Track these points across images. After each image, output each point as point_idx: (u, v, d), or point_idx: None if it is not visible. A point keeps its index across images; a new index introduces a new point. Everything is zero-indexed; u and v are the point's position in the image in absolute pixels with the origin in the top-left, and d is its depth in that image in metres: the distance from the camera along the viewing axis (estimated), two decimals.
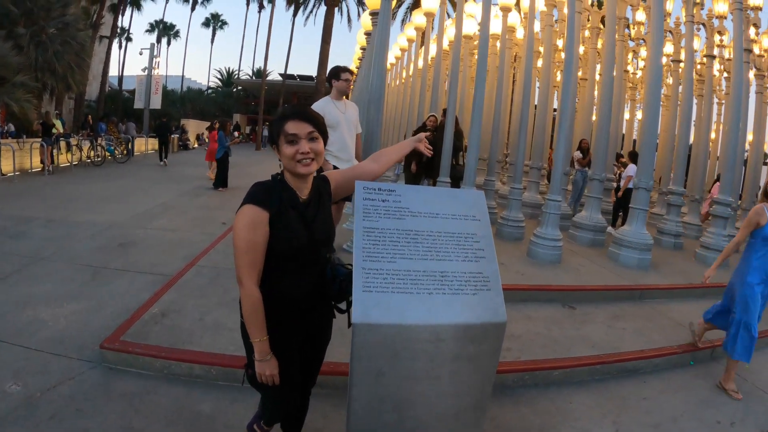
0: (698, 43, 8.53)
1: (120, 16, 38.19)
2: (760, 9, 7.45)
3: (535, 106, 9.17)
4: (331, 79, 4.91)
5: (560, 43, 9.46)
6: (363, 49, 9.38)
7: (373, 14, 6.03)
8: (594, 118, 9.07)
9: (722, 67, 9.17)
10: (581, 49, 9.24)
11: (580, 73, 9.63)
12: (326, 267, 1.91)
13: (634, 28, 8.54)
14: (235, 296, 4.15)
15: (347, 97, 5.29)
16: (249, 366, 1.92)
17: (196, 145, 26.93)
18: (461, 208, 2.02)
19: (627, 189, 8.43)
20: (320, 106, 4.77)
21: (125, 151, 18.46)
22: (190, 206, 9.16)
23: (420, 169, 7.73)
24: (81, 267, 5.13)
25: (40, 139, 13.62)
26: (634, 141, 13.68)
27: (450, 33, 8.50)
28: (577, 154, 9.26)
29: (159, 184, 11.97)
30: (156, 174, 14.16)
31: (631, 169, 8.44)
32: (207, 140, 12.39)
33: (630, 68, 10.57)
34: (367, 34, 7.51)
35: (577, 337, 4.00)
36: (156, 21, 53.04)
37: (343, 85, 4.88)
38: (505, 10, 7.46)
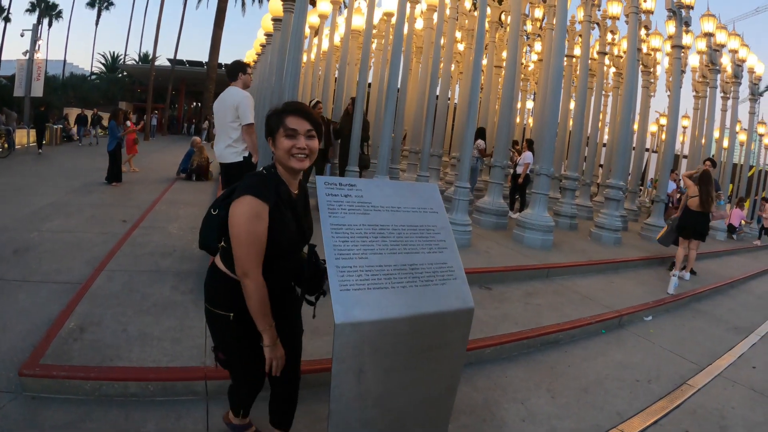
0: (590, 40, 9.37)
1: None
2: (652, 12, 8.36)
3: (437, 97, 9.55)
4: (239, 72, 4.91)
5: (459, 35, 9.90)
6: (268, 35, 9.12)
7: (287, 0, 5.91)
8: (490, 107, 9.62)
9: (611, 62, 10.16)
10: (461, 47, 9.82)
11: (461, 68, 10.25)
12: (303, 260, 1.99)
13: (531, 24, 9.18)
14: (156, 301, 3.98)
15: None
16: (217, 349, 2.05)
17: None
18: (419, 201, 2.09)
19: (526, 174, 9.06)
20: (246, 95, 4.83)
21: (5, 144, 16.32)
22: (84, 204, 8.35)
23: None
24: None
25: None
26: (524, 129, 14.76)
27: (357, 21, 8.53)
28: (480, 143, 9.77)
29: (47, 181, 10.77)
30: (42, 169, 12.73)
31: (528, 156, 9.09)
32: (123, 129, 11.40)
33: (523, 61, 11.33)
34: (275, 20, 7.33)
35: (500, 315, 4.28)
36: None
37: (248, 79, 5.00)
38: (413, 1, 7.66)
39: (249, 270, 1.78)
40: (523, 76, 12.26)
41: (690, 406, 3.35)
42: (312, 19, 10.55)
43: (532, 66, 12.24)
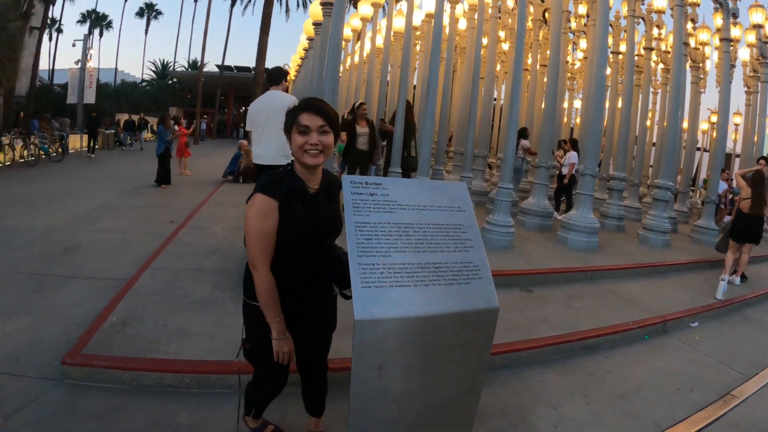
0: (637, 37, 9.01)
1: (51, 6, 35.51)
2: (698, 5, 7.98)
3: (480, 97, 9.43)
4: (282, 78, 5.17)
5: (502, 34, 9.74)
6: (310, 39, 9.25)
7: (326, 4, 5.97)
8: (536, 106, 9.41)
9: (659, 58, 9.75)
10: (506, 46, 9.62)
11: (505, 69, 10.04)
12: (328, 256, 2.00)
13: (575, 21, 8.92)
14: (197, 299, 4.07)
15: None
16: (246, 340, 2.11)
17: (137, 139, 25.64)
18: (446, 199, 2.06)
19: (572, 175, 8.81)
20: (295, 99, 4.99)
21: (60, 149, 17.29)
22: (133, 205, 8.73)
23: (356, 159, 7.75)
24: (25, 277, 4.76)
25: None
26: (572, 128, 14.35)
27: (397, 24, 8.52)
28: (525, 143, 9.57)
29: (98, 183, 11.33)
30: (94, 172, 13.39)
31: (573, 156, 8.83)
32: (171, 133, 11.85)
33: (569, 59, 11.02)
34: (316, 24, 7.42)
35: (538, 318, 4.17)
36: (88, 11, 50.70)
37: (287, 86, 5.27)
38: (453, 1, 7.58)
39: (256, 263, 1.86)
40: (569, 74, 11.94)
41: (733, 417, 3.15)
42: (354, 22, 10.68)
43: (578, 64, 11.90)
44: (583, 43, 10.45)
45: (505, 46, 10.75)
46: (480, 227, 6.09)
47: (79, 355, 3.12)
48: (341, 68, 13.42)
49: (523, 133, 9.58)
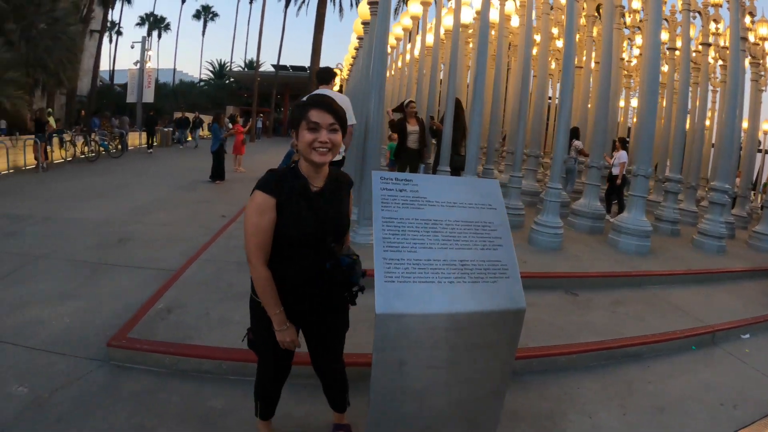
0: (693, 31, 8.55)
1: (110, 10, 37.68)
2: None
3: (532, 94, 9.21)
4: (333, 78, 5.46)
5: (555, 31, 9.47)
6: (360, 38, 9.32)
7: (372, 3, 5.98)
8: (589, 105, 9.09)
9: (717, 54, 9.21)
10: (576, 37, 9.26)
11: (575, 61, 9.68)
12: (330, 256, 1.93)
13: (629, 16, 8.54)
14: (240, 291, 4.19)
15: None
16: (250, 330, 2.14)
17: (190, 137, 26.61)
18: (477, 197, 2.03)
19: (623, 176, 8.48)
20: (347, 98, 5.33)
21: (119, 146, 18.25)
22: (186, 200, 9.09)
23: (407, 157, 7.77)
24: (80, 264, 5.07)
25: (33, 136, 13.44)
26: (629, 128, 13.77)
27: (447, 22, 8.43)
28: (577, 144, 9.29)
29: (154, 178, 11.88)
30: (151, 168, 14.04)
31: (622, 155, 8.51)
32: (225, 131, 12.27)
33: (625, 56, 10.57)
34: (365, 23, 7.45)
35: (581, 323, 4.03)
36: (146, 14, 52.77)
37: (334, 85, 5.46)
38: None
39: (251, 258, 1.89)
40: (626, 72, 11.44)
41: None
42: (405, 21, 10.67)
43: (635, 61, 11.38)
44: (639, 40, 9.99)
45: (560, 44, 10.42)
46: (528, 227, 6.00)
47: (124, 338, 3.28)
48: (393, 67, 13.50)
49: (575, 134, 9.29)
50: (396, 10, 30.93)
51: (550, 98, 10.54)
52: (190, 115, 26.19)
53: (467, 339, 1.78)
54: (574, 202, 7.48)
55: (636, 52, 10.80)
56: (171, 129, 24.49)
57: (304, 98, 1.98)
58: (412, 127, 7.72)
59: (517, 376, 3.28)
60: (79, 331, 3.59)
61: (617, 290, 4.86)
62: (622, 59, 9.87)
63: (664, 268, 5.46)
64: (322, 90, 5.27)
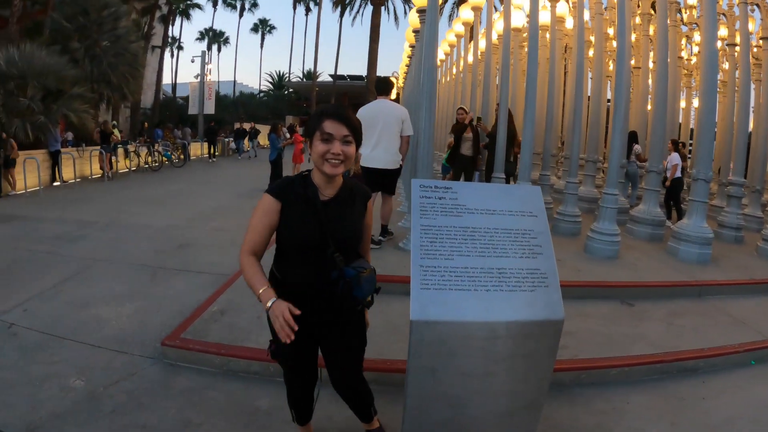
0: (753, 26, 8.03)
1: (170, 26, 39.71)
2: None
3: (588, 97, 8.94)
4: (392, 88, 5.67)
5: (611, 31, 9.17)
6: (412, 46, 9.38)
7: (421, 11, 6.02)
8: (649, 107, 8.71)
9: None
10: (633, 37, 8.92)
11: (633, 62, 9.31)
12: (334, 267, 1.91)
13: (686, 12, 8.14)
14: None
15: None
16: (272, 341, 2.07)
17: (248, 147, 27.47)
18: (518, 204, 2.00)
19: (675, 178, 8.08)
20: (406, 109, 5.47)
21: (182, 156, 19.20)
22: (245, 207, 9.39)
23: (461, 164, 7.75)
24: (140, 268, 5.36)
25: (98, 147, 14.34)
26: (692, 130, 13.09)
27: (498, 26, 8.34)
28: (637, 148, 8.95)
29: (215, 187, 12.37)
30: (211, 177, 14.63)
31: (675, 157, 8.13)
32: (282, 141, 12.60)
33: (684, 54, 10.05)
34: (415, 31, 7.50)
35: (635, 335, 3.87)
36: (206, 29, 54.80)
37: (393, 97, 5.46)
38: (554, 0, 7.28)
39: (242, 250, 1.92)
40: (685, 71, 10.88)
41: None
42: (458, 27, 10.64)
43: (694, 59, 10.82)
44: (697, 37, 9.49)
45: (616, 44, 10.05)
46: (584, 235, 5.80)
47: (177, 338, 3.46)
48: (448, 75, 13.46)
49: (634, 137, 8.97)
50: (450, 16, 30.89)
51: (609, 101, 10.19)
52: (246, 125, 26.94)
53: (503, 349, 1.76)
54: (633, 208, 7.20)
55: (695, 49, 10.25)
56: (232, 139, 25.32)
57: (320, 108, 1.97)
58: (466, 134, 7.71)
59: (565, 389, 3.20)
60: (137, 331, 3.80)
61: (674, 301, 4.63)
62: (681, 58, 9.40)
63: (726, 278, 5.15)
64: (381, 100, 5.42)
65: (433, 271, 1.77)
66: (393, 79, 5.98)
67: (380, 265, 2.38)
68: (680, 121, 11.46)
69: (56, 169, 12.76)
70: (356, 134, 1.88)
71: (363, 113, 5.29)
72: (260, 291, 1.84)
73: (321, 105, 2.07)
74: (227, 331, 3.63)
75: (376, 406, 2.38)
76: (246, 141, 24.78)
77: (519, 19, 8.19)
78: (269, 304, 1.81)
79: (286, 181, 1.97)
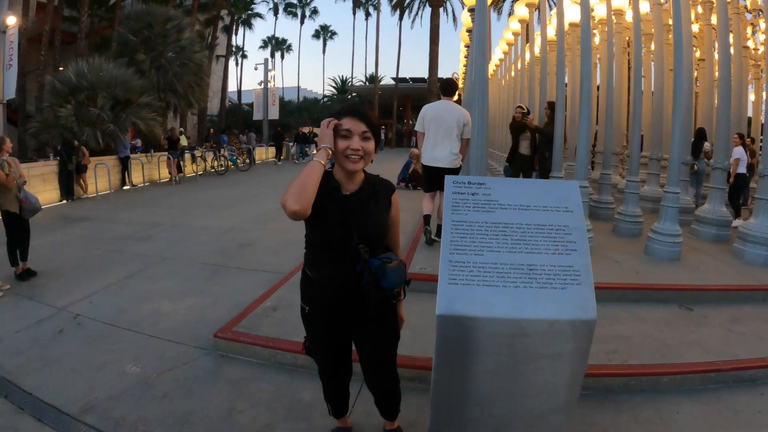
0: None
1: (234, 36, 41.27)
2: None
3: (652, 92, 8.55)
4: (456, 89, 5.69)
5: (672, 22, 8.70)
6: (467, 46, 9.33)
7: (471, 11, 6.00)
8: (716, 101, 8.22)
9: None
10: (695, 27, 8.46)
11: (698, 54, 8.83)
12: (359, 259, 1.93)
13: None
14: None
15: None
16: (306, 338, 2.20)
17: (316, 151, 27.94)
18: (553, 199, 1.97)
19: (737, 174, 7.60)
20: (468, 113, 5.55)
21: (247, 160, 19.96)
22: None
23: (519, 164, 7.62)
24: (201, 266, 5.65)
25: (166, 153, 15.17)
26: (762, 125, 12.23)
27: (554, 23, 8.13)
28: (706, 146, 8.49)
29: (277, 190, 12.72)
30: (274, 180, 15.09)
31: (738, 151, 7.61)
32: None
33: (750, 44, 9.36)
34: (469, 31, 7.46)
35: (692, 341, 3.66)
36: (268, 37, 56.33)
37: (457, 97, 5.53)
38: None
39: (285, 201, 1.79)
40: (753, 62, 10.13)
41: None
42: (514, 25, 10.50)
43: (762, 49, 10.05)
44: (763, 24, 8.83)
45: (694, 27, 9.42)
46: (646, 236, 5.56)
47: (229, 331, 3.64)
48: (507, 76, 13.23)
49: (703, 135, 8.51)
50: (510, 14, 30.37)
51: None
52: (305, 129, 27.34)
53: (531, 347, 1.74)
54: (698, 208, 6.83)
55: (762, 38, 9.53)
56: (292, 143, 25.95)
57: (338, 107, 2.02)
58: (524, 133, 7.58)
59: (612, 395, 3.09)
60: (193, 324, 4.03)
61: (737, 306, 4.35)
62: (747, 47, 8.78)
63: None
64: (444, 101, 5.58)
65: (462, 267, 1.77)
66: (455, 80, 6.05)
67: (434, 265, 2.38)
68: (750, 114, 10.72)
69: (126, 173, 13.66)
70: (374, 130, 1.93)
71: (425, 112, 5.54)
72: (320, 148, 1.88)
73: (340, 104, 2.10)
74: (277, 325, 3.78)
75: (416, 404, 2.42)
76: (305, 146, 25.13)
77: (575, 14, 7.95)
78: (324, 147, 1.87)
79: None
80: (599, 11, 7.46)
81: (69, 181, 11.52)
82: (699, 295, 4.46)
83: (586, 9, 5.71)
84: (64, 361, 3.46)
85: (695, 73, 9.54)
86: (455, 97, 5.59)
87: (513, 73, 12.37)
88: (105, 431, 2.67)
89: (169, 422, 2.74)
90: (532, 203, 1.95)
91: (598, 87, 9.83)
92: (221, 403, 2.92)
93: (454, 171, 5.51)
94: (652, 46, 8.35)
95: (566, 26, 7.89)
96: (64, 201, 11.31)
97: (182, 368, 3.33)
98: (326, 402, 2.41)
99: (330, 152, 1.88)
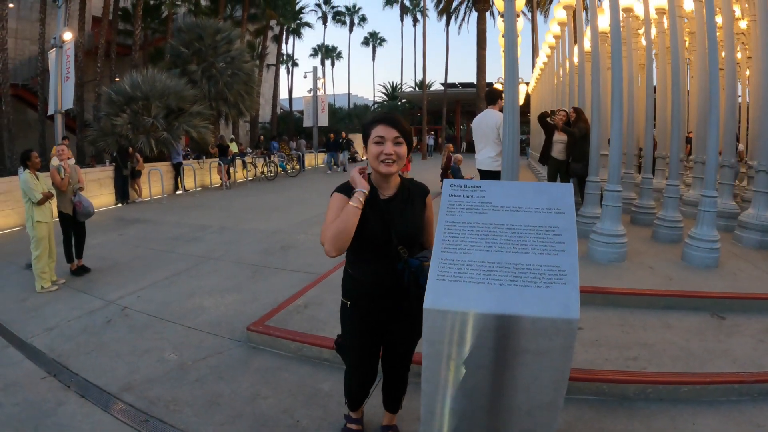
0: None
1: (284, 45, 42.48)
2: None
3: (687, 92, 8.26)
4: (497, 98, 5.92)
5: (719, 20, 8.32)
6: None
7: (501, 15, 6.06)
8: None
9: None
10: (744, 24, 8.11)
11: (748, 53, 8.44)
12: (399, 258, 2.11)
13: None
14: None
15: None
16: (339, 336, 2.35)
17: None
18: (546, 201, 2.04)
19: None
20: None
21: (297, 166, 20.54)
22: None
23: (552, 167, 7.58)
24: (244, 266, 5.98)
25: (217, 159, 15.89)
26: None
27: (602, 23, 7.95)
28: (739, 147, 8.15)
29: (324, 195, 13.05)
30: (322, 186, 15.49)
31: None
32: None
33: None
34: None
35: (719, 350, 3.57)
36: (318, 45, 57.36)
37: (502, 104, 5.70)
38: None
39: (325, 243, 2.02)
40: None
41: None
42: (554, 28, 10.40)
43: None
44: None
45: (743, 24, 8.95)
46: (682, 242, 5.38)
47: (261, 324, 3.91)
48: (555, 79, 13.02)
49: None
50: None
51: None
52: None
53: (514, 343, 1.81)
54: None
55: None
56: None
57: (372, 116, 2.22)
58: (559, 136, 7.52)
59: (627, 401, 3.10)
60: (231, 318, 4.33)
61: None
62: None
63: None
64: (488, 110, 5.94)
65: (451, 264, 1.87)
66: (499, 88, 6.33)
67: None
68: None
69: (179, 179, 14.43)
70: (406, 136, 2.10)
71: (473, 122, 6.16)
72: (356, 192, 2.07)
73: (372, 114, 2.26)
74: (307, 321, 4.02)
75: None
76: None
77: (605, 22, 7.75)
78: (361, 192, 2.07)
79: (348, 183, 2.19)
80: (640, 9, 7.26)
81: (124, 186, 12.35)
82: (734, 304, 4.33)
83: (615, 17, 5.64)
84: (110, 347, 3.84)
85: (747, 72, 9.10)
86: (499, 105, 5.72)
87: (560, 77, 12.19)
88: (140, 408, 2.98)
89: (199, 403, 3.02)
90: (524, 205, 2.02)
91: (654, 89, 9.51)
92: (248, 388, 3.19)
93: (493, 173, 5.78)
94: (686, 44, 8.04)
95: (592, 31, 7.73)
96: (120, 204, 12.14)
97: (216, 357, 3.63)
98: (346, 396, 2.56)
99: (365, 194, 2.07)
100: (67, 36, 13.50)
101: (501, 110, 5.53)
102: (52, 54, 13.89)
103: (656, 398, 3.15)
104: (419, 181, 2.31)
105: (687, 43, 8.26)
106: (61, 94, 13.56)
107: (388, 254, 2.11)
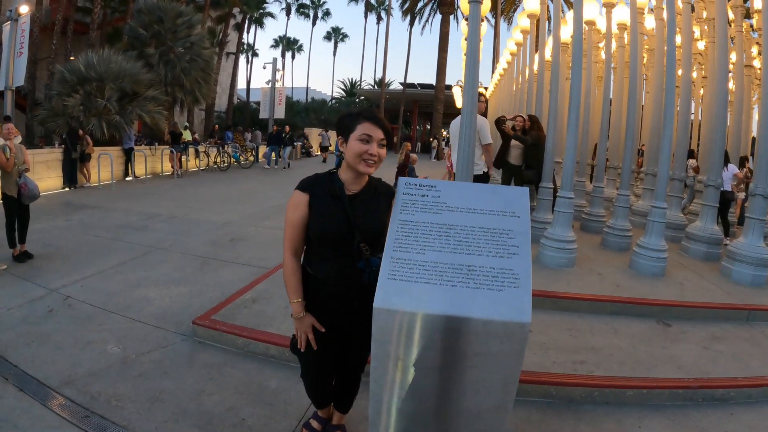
0: None
1: (246, 34, 41.60)
2: None
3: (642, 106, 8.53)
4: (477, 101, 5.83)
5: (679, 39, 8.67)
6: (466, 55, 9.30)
7: (466, 19, 6.05)
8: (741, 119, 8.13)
9: None
10: (702, 45, 8.43)
11: (704, 72, 8.79)
12: (360, 258, 2.04)
13: (754, 17, 7.51)
14: None
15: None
16: (294, 336, 2.24)
17: (318, 152, 28.16)
18: (501, 204, 2.00)
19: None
20: (485, 120, 5.80)
21: (251, 158, 20.10)
22: None
23: (507, 172, 7.64)
24: (193, 257, 5.77)
25: (169, 147, 15.40)
26: (754, 142, 12.05)
27: (564, 34, 8.06)
28: (692, 162, 8.49)
29: (277, 188, 12.90)
30: (276, 178, 15.28)
31: (731, 169, 7.61)
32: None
33: (757, 63, 9.24)
34: (467, 39, 7.47)
35: (664, 356, 3.68)
36: (280, 37, 56.73)
37: (482, 107, 5.87)
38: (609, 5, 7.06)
39: (284, 248, 2.11)
40: (758, 81, 9.96)
41: None
42: (516, 35, 10.49)
43: None
44: None
45: (701, 45, 9.26)
46: (631, 250, 5.52)
47: (207, 319, 3.76)
48: (514, 86, 13.13)
49: (690, 153, 8.54)
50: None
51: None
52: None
53: (465, 345, 1.78)
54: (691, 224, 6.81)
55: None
56: (301, 143, 26.03)
57: (352, 110, 2.13)
58: (516, 142, 7.55)
59: (574, 404, 3.14)
60: (177, 311, 4.16)
61: (718, 324, 4.36)
62: (752, 66, 8.68)
63: None
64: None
65: (403, 263, 1.82)
66: (458, 87, 6.28)
67: None
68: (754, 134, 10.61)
69: (129, 165, 13.88)
70: (389, 138, 2.05)
71: (452, 126, 6.00)
72: (294, 301, 2.13)
73: (353, 107, 2.18)
74: (254, 316, 3.89)
75: None
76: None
77: (566, 34, 7.87)
78: (300, 316, 2.12)
79: (312, 177, 2.13)
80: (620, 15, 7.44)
81: (72, 169, 11.76)
82: (680, 312, 4.48)
83: (578, 28, 5.75)
84: (51, 338, 3.62)
85: (701, 91, 9.48)
86: (479, 109, 5.67)
87: (520, 84, 12.35)
88: (81, 404, 2.81)
89: (142, 399, 2.88)
90: (479, 207, 1.99)
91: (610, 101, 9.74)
92: (192, 385, 3.05)
93: (480, 177, 5.74)
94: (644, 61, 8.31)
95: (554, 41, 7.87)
96: (67, 188, 11.55)
97: (160, 351, 3.47)
98: (309, 397, 2.47)
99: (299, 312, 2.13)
100: (24, 9, 12.82)
101: (480, 112, 5.51)
102: (6, 27, 13.14)
103: (603, 401, 3.19)
104: (386, 182, 2.24)
105: (645, 59, 8.51)
106: (13, 70, 12.88)
107: (349, 252, 2.04)
